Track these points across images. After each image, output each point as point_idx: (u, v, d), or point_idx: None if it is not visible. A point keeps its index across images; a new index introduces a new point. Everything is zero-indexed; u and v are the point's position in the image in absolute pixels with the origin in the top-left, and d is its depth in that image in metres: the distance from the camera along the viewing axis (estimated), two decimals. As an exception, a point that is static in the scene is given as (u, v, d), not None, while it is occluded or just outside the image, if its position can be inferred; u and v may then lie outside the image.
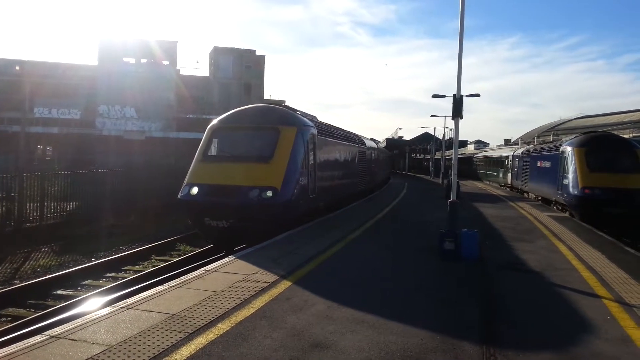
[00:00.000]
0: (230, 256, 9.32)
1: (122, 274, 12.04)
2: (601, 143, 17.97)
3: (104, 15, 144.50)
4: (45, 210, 16.41)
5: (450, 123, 32.70)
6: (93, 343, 4.90)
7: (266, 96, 61.56)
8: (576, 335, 5.58)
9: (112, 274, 11.85)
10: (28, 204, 15.89)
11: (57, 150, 47.28)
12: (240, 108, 14.24)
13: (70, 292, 10.34)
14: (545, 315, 6.30)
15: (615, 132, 27.39)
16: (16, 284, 10.64)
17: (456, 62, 10.65)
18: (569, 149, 18.23)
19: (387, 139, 75.60)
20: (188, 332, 5.25)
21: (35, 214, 16.06)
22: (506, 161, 35.07)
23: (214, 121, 13.64)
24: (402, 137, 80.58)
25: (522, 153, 29.43)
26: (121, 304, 6.20)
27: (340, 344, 5.12)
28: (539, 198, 24.16)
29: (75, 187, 17.98)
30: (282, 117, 13.39)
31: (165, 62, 53.00)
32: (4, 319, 8.81)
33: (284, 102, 56.13)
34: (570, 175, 17.45)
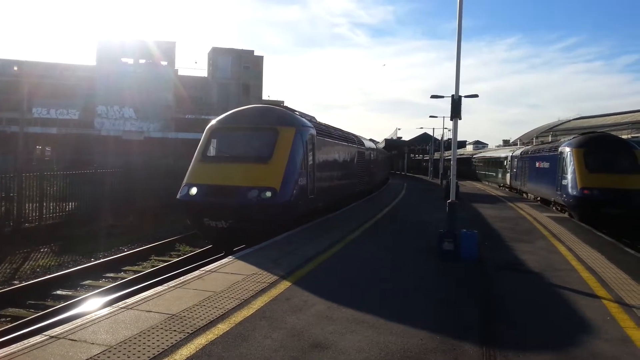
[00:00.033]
0: (230, 256, 9.31)
1: (122, 274, 12.03)
2: (600, 144, 18.00)
3: (102, 15, 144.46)
4: (44, 211, 16.39)
5: (449, 124, 32.78)
6: (93, 343, 4.90)
7: (265, 96, 61.66)
8: (576, 335, 5.58)
9: (112, 274, 11.83)
10: (27, 204, 15.87)
11: (55, 151, 47.25)
12: (238, 108, 14.24)
13: (70, 293, 10.33)
14: (544, 316, 6.31)
15: (613, 133, 27.45)
16: (16, 284, 10.62)
17: (454, 63, 10.69)
18: (567, 149, 18.25)
19: (386, 140, 75.65)
20: (188, 333, 5.25)
21: (34, 214, 16.04)
22: (505, 162, 35.11)
23: (213, 121, 13.63)
24: (401, 137, 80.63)
25: (520, 154, 29.47)
26: (121, 304, 6.19)
27: (340, 344, 5.12)
28: (538, 199, 24.19)
29: (74, 188, 17.96)
30: (280, 117, 13.39)
31: (164, 63, 53.04)
32: (3, 319, 8.79)
33: (283, 102, 56.19)
34: (569, 176, 17.48)
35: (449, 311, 6.43)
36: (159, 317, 5.71)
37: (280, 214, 11.77)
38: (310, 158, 13.70)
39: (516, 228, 14.42)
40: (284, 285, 7.27)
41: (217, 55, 58.39)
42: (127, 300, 6.37)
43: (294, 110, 14.97)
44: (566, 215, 18.24)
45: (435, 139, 55.30)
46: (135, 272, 12.07)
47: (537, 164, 23.97)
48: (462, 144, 78.03)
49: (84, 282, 11.04)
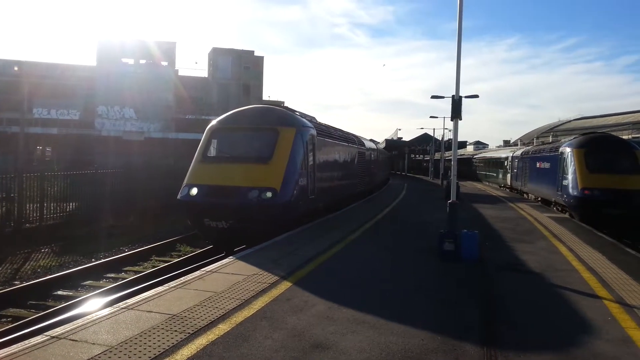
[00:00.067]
0: (230, 257, 9.31)
1: (123, 274, 12.03)
2: (600, 144, 18.00)
3: (102, 15, 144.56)
4: (45, 211, 16.41)
5: (450, 124, 32.74)
6: (94, 343, 4.90)
7: (265, 97, 61.67)
8: (577, 336, 5.58)
9: (113, 275, 11.84)
10: (28, 205, 15.89)
11: (56, 151, 47.26)
12: (239, 109, 14.24)
13: (71, 293, 10.34)
14: (545, 316, 6.31)
15: (614, 133, 27.45)
16: (17, 285, 10.63)
17: (454, 63, 10.68)
18: (568, 150, 18.25)
19: (387, 140, 75.51)
20: (189, 333, 5.25)
21: (35, 215, 16.05)
22: (505, 162, 35.10)
23: (213, 122, 13.64)
24: (402, 138, 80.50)
25: (521, 154, 29.46)
26: (122, 304, 6.19)
27: (341, 344, 5.12)
28: (539, 199, 24.18)
29: (75, 188, 17.98)
30: (281, 117, 13.40)
31: (164, 63, 53.05)
32: (4, 319, 8.80)
33: (283, 102, 56.24)
34: (570, 176, 17.47)
35: (450, 311, 6.43)
36: (160, 317, 5.71)
37: (280, 214, 11.77)
38: (311, 158, 13.70)
39: (517, 228, 14.41)
40: (285, 285, 7.28)
41: (218, 56, 58.41)
42: (127, 301, 6.37)
43: (294, 111, 14.98)
44: (567, 215, 18.24)
45: (436, 140, 55.24)
46: (136, 272, 12.07)
47: (537, 165, 23.96)
48: (463, 145, 77.90)
49: (84, 283, 11.05)
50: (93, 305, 8.59)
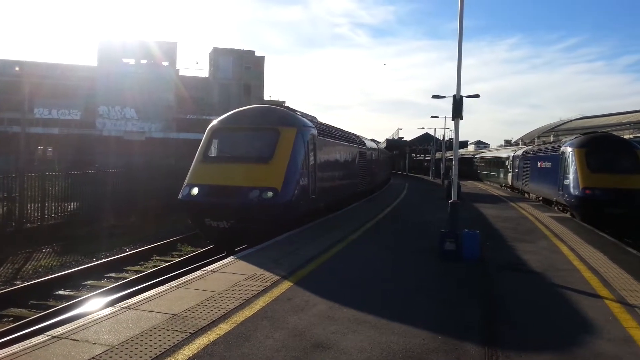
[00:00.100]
0: (231, 257, 9.32)
1: (124, 274, 12.04)
2: (602, 144, 17.99)
3: (103, 16, 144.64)
4: (46, 211, 16.42)
5: (451, 124, 32.72)
6: (95, 343, 4.90)
7: (266, 97, 61.67)
8: (578, 335, 5.57)
9: (114, 275, 11.85)
10: (29, 205, 15.90)
11: (57, 151, 47.32)
12: (240, 109, 14.24)
13: (72, 293, 10.34)
14: (546, 316, 6.30)
15: (615, 133, 27.41)
16: (18, 285, 10.64)
17: (455, 63, 10.66)
18: (569, 149, 18.24)
19: (388, 140, 75.60)
20: (190, 333, 5.25)
21: (36, 215, 16.06)
22: (507, 162, 35.07)
23: (214, 122, 13.64)
24: (403, 137, 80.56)
25: (522, 154, 29.44)
26: (123, 304, 6.20)
27: (342, 344, 5.12)
28: (540, 199, 24.16)
29: (76, 188, 17.99)
30: (282, 117, 13.40)
31: (165, 63, 53.10)
32: (5, 319, 8.81)
33: (284, 102, 56.21)
34: (571, 176, 17.46)
35: (451, 311, 6.42)
36: (161, 317, 5.71)
37: (281, 214, 11.77)
38: (312, 158, 13.70)
39: (518, 228, 14.40)
40: (286, 285, 7.27)
41: (218, 56, 58.43)
42: (129, 300, 6.38)
43: (295, 111, 14.97)
44: (568, 215, 18.22)
45: (437, 139, 55.26)
46: (137, 272, 12.08)
47: (538, 164, 23.95)
48: (464, 144, 77.97)
49: (85, 282, 11.05)
50: (94, 305, 8.60)
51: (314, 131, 14.25)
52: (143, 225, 18.23)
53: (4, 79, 48.66)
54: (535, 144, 41.89)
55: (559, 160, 19.30)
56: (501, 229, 14.15)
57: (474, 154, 58.30)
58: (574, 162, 17.48)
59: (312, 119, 15.93)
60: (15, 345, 4.88)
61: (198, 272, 7.99)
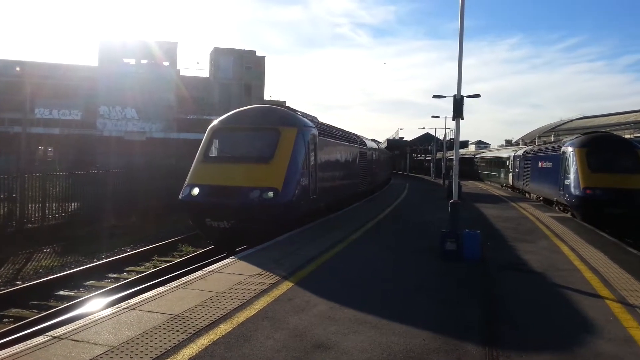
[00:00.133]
0: (232, 257, 9.32)
1: (124, 274, 12.05)
2: (602, 143, 17.97)
3: (104, 16, 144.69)
4: (47, 211, 16.44)
5: (451, 124, 32.72)
6: (95, 344, 4.91)
7: (266, 97, 61.65)
8: (579, 335, 5.57)
9: (114, 275, 11.86)
10: (30, 205, 15.92)
11: (58, 151, 47.34)
12: (240, 109, 14.24)
13: (73, 293, 10.35)
14: (547, 316, 6.30)
15: (616, 133, 27.39)
16: (18, 285, 10.65)
17: (456, 63, 10.65)
18: (570, 149, 18.22)
19: (388, 140, 75.51)
20: (190, 333, 5.25)
21: (37, 215, 16.08)
22: (507, 162, 35.06)
23: (215, 122, 13.64)
24: (403, 137, 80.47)
25: (523, 153, 29.43)
26: (123, 304, 6.20)
27: (342, 344, 5.12)
28: (541, 198, 24.15)
29: (77, 188, 18.01)
30: (282, 117, 13.40)
31: (166, 63, 53.07)
32: (6, 319, 8.82)
33: (285, 102, 56.18)
34: (572, 176, 17.45)
35: (452, 311, 6.42)
36: (162, 317, 5.71)
37: (282, 214, 11.77)
38: (312, 158, 13.70)
39: (519, 228, 14.39)
40: (286, 285, 7.28)
41: (219, 56, 58.43)
42: (129, 301, 6.38)
43: (296, 111, 14.97)
44: (569, 215, 18.21)
45: (437, 139, 55.25)
46: (138, 272, 12.09)
47: (539, 164, 23.93)
48: (464, 144, 77.85)
49: (86, 283, 11.07)
50: (95, 306, 8.61)
51: (315, 131, 14.25)
52: (144, 226, 18.24)
53: (5, 79, 48.67)
54: (536, 143, 41.86)
55: (559, 160, 19.29)
56: (502, 229, 14.15)
57: (475, 154, 58.29)
58: (574, 162, 17.47)
59: (313, 119, 15.93)
60: (16, 346, 4.88)
61: (199, 273, 8.00)
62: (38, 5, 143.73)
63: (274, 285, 7.26)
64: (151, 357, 4.64)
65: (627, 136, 29.57)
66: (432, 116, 41.49)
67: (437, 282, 8.00)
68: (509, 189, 33.79)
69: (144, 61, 52.70)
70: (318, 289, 7.06)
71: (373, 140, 37.09)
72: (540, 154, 24.46)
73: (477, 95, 21.96)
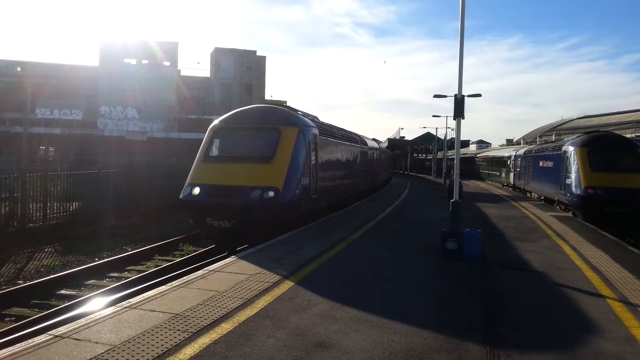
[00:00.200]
0: (233, 256, 9.32)
1: (126, 274, 12.05)
2: (604, 143, 17.96)
3: (104, 16, 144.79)
4: (48, 211, 16.45)
5: (452, 123, 32.71)
6: (97, 343, 4.91)
7: (267, 97, 61.63)
8: (580, 335, 5.57)
9: (116, 274, 11.87)
10: (31, 205, 15.93)
11: (59, 151, 47.42)
12: (241, 108, 14.25)
13: (74, 292, 10.36)
14: (548, 315, 6.30)
15: (617, 132, 27.37)
16: (20, 284, 10.67)
17: (457, 63, 10.65)
18: (571, 148, 18.21)
19: (389, 139, 75.46)
20: (191, 332, 5.26)
21: (38, 214, 16.09)
22: (508, 161, 35.05)
23: (215, 121, 13.64)
24: (404, 137, 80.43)
25: (524, 153, 29.41)
26: (125, 303, 6.21)
27: (343, 343, 5.12)
28: (542, 198, 24.14)
29: (78, 188, 18.02)
30: (283, 117, 13.40)
31: (167, 63, 53.10)
32: (8, 318, 8.83)
33: (285, 102, 56.17)
34: (573, 175, 17.44)
35: (453, 310, 6.42)
36: (163, 316, 5.72)
37: (283, 213, 11.77)
38: (313, 158, 13.70)
39: (520, 227, 14.39)
40: (287, 284, 7.28)
41: (220, 56, 58.47)
42: (131, 300, 6.39)
43: (297, 110, 14.97)
44: (570, 214, 18.20)
45: (438, 139, 55.28)
46: (139, 271, 12.10)
47: (540, 163, 23.92)
48: (465, 143, 77.66)
49: (88, 282, 11.08)
50: (96, 305, 8.61)
51: (316, 131, 14.25)
52: (145, 225, 18.26)
53: (6, 80, 48.70)
54: (537, 143, 41.84)
55: (560, 160, 19.28)
56: (503, 228, 14.14)
57: (476, 153, 58.26)
58: (575, 161, 17.46)
59: (314, 119, 15.94)
60: (18, 345, 4.89)
61: (200, 272, 8.00)
62: (39, 6, 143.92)
63: (275, 284, 7.26)
64: (153, 356, 4.64)
65: (628, 135, 29.54)
66: (433, 115, 41.55)
67: (438, 281, 8.00)
68: (510, 189, 33.76)
69: (144, 61, 52.74)
70: (319, 288, 7.06)
71: (374, 139, 37.10)
72: (541, 153, 24.45)
73: (478, 95, 21.96)
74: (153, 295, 6.54)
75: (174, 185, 16.69)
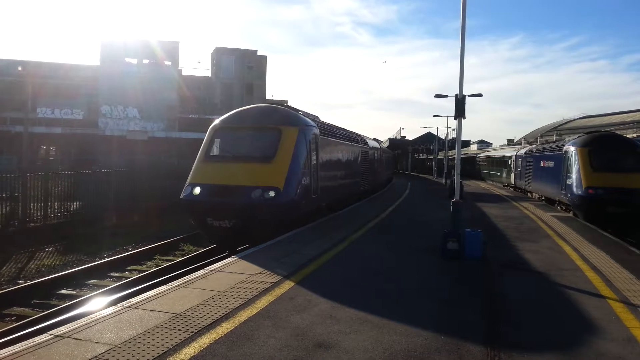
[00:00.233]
0: (234, 256, 9.32)
1: (126, 273, 12.07)
2: (604, 143, 17.93)
3: (105, 15, 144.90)
4: (49, 210, 16.47)
5: (453, 123, 32.72)
6: (97, 342, 4.91)
7: (268, 96, 61.72)
8: (581, 335, 5.56)
9: (116, 274, 11.88)
10: (32, 204, 15.95)
11: (60, 151, 47.48)
12: (242, 108, 14.25)
13: (75, 292, 10.37)
14: (549, 316, 6.29)
15: (618, 132, 27.33)
16: (21, 284, 10.68)
17: (458, 62, 10.66)
18: (572, 148, 18.19)
19: (390, 139, 75.49)
20: (192, 332, 5.26)
21: (39, 214, 16.11)
22: (509, 161, 35.03)
23: (216, 121, 13.65)
24: (405, 137, 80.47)
25: (525, 153, 29.39)
26: (125, 303, 6.21)
27: (344, 343, 5.12)
28: (543, 198, 24.12)
29: (79, 187, 18.05)
30: (284, 117, 13.40)
31: (168, 63, 53.19)
32: (8, 318, 8.84)
33: (286, 102, 56.20)
34: (574, 175, 17.42)
35: (453, 311, 6.41)
36: (164, 316, 5.72)
37: (283, 213, 11.77)
38: (314, 157, 13.70)
39: (521, 227, 14.37)
40: (288, 284, 7.28)
41: (221, 55, 58.53)
42: (131, 300, 6.39)
43: (297, 110, 14.98)
44: (571, 214, 18.18)
45: (439, 138, 55.29)
46: (140, 271, 12.11)
47: (541, 163, 23.90)
48: (466, 143, 77.84)
49: (88, 282, 11.09)
50: (97, 304, 8.62)
51: (316, 130, 14.25)
52: (145, 225, 18.27)
53: (7, 79, 48.80)
54: (538, 143, 41.83)
55: (561, 160, 19.26)
56: (504, 228, 14.13)
57: (477, 153, 58.23)
58: (576, 162, 17.44)
59: (314, 118, 15.93)
60: (18, 345, 4.89)
61: (200, 272, 8.00)
62: (40, 5, 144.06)
63: (276, 284, 7.26)
64: (153, 356, 4.64)
65: (629, 135, 29.52)
66: (434, 115, 41.69)
67: (439, 282, 7.99)
68: (511, 189, 33.74)
69: (145, 61, 52.81)
70: (319, 288, 7.06)
71: (375, 139, 37.13)
72: (542, 153, 24.43)
73: (479, 95, 21.99)
74: (154, 295, 6.55)
75: (175, 185, 16.71)
